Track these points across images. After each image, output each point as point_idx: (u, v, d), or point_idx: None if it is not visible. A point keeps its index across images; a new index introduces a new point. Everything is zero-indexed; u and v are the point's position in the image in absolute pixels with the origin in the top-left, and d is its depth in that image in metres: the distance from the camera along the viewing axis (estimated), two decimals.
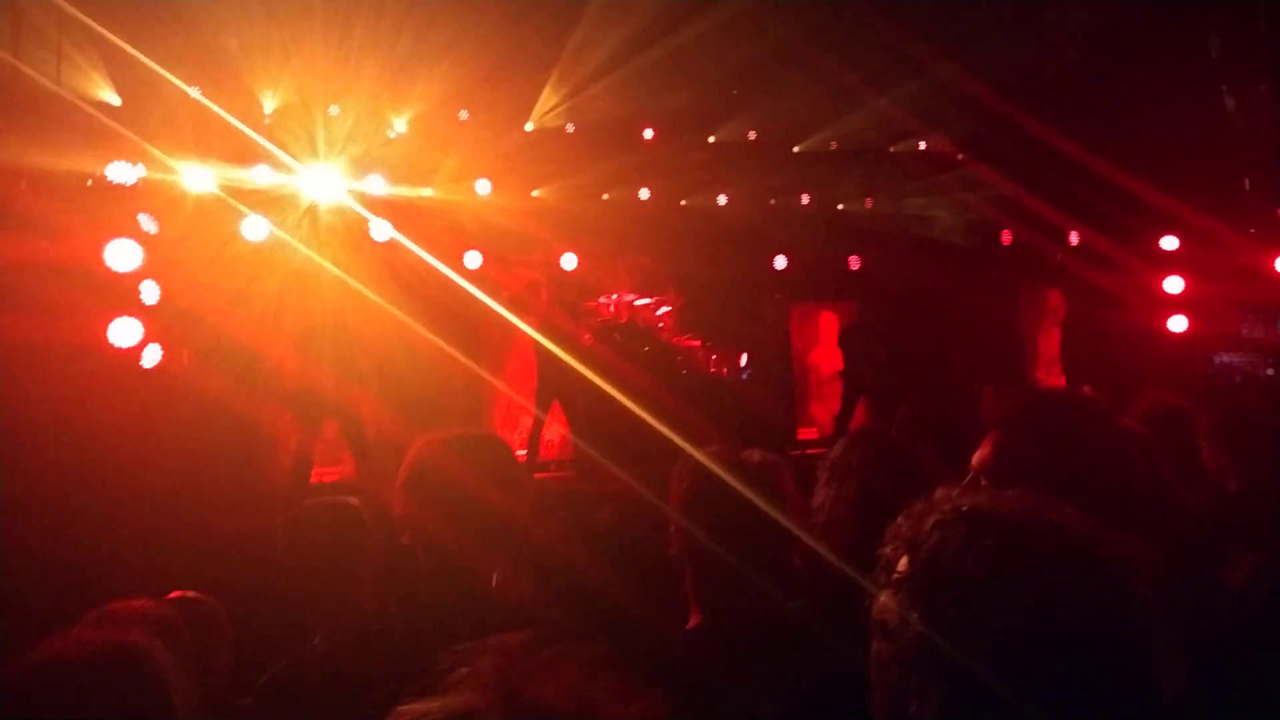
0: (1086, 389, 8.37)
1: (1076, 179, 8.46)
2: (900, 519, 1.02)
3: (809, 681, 1.71)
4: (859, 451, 2.25)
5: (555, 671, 0.75)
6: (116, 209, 5.97)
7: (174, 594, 2.65)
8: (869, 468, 2.18)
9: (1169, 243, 8.82)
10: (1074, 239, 9.56)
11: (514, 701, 0.71)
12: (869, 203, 10.50)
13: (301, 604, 2.52)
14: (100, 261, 5.28)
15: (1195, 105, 8.35)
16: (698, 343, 9.93)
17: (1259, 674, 1.56)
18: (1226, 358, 8.78)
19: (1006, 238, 10.28)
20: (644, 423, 6.92)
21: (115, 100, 7.01)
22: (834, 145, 10.25)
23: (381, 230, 8.16)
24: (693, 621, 1.99)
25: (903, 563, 0.97)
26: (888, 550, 1.00)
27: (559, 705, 0.72)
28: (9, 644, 1.48)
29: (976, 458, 1.85)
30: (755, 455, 2.19)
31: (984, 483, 1.75)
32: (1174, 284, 8.67)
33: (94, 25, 5.87)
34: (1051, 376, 10.32)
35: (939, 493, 1.02)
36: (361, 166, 8.46)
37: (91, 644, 1.44)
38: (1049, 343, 10.44)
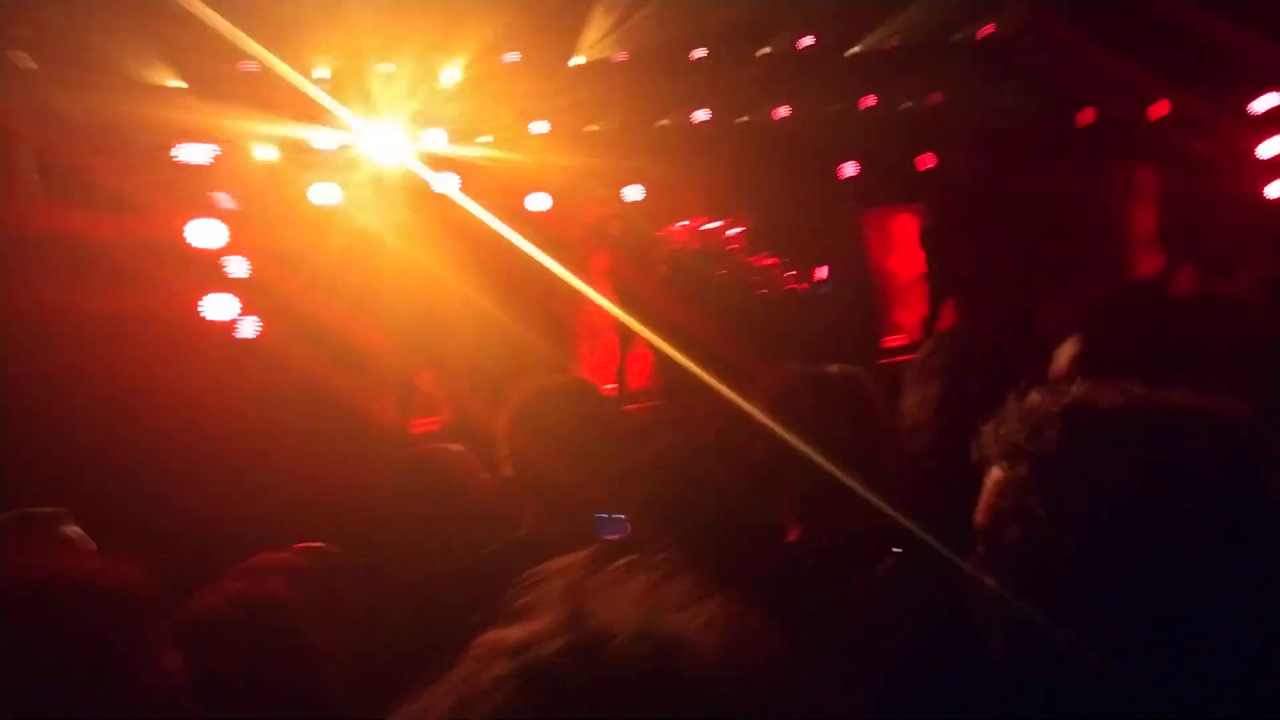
0: (1188, 268, 7.98)
1: (1156, 43, 7.97)
2: (993, 427, 0.99)
3: (898, 589, 1.71)
4: (942, 353, 2.20)
5: (623, 585, 0.72)
6: (193, 189, 6.15)
7: (300, 545, 2.80)
8: (953, 368, 2.13)
9: (1264, 102, 8.28)
10: (1159, 110, 9.05)
11: (579, 621, 0.69)
12: (936, 98, 10.10)
13: (414, 544, 2.64)
14: (183, 240, 5.47)
15: None
16: (774, 260, 9.81)
17: None
18: None
19: (1086, 116, 9.79)
20: (726, 347, 6.92)
21: (179, 83, 7.15)
22: (892, 42, 9.85)
23: (446, 183, 8.23)
24: (793, 534, 2.02)
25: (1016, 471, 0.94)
26: (985, 455, 0.98)
27: (625, 618, 0.69)
28: (170, 602, 1.58)
29: (1062, 361, 1.79)
30: (835, 367, 2.19)
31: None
32: (1272, 146, 8.17)
33: None
34: (1149, 257, 9.90)
35: (1034, 395, 0.98)
36: (420, 123, 8.49)
37: (234, 596, 1.54)
38: (1143, 222, 9.99)
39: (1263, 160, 8.14)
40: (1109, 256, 9.95)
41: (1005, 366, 2.11)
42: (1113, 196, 10.31)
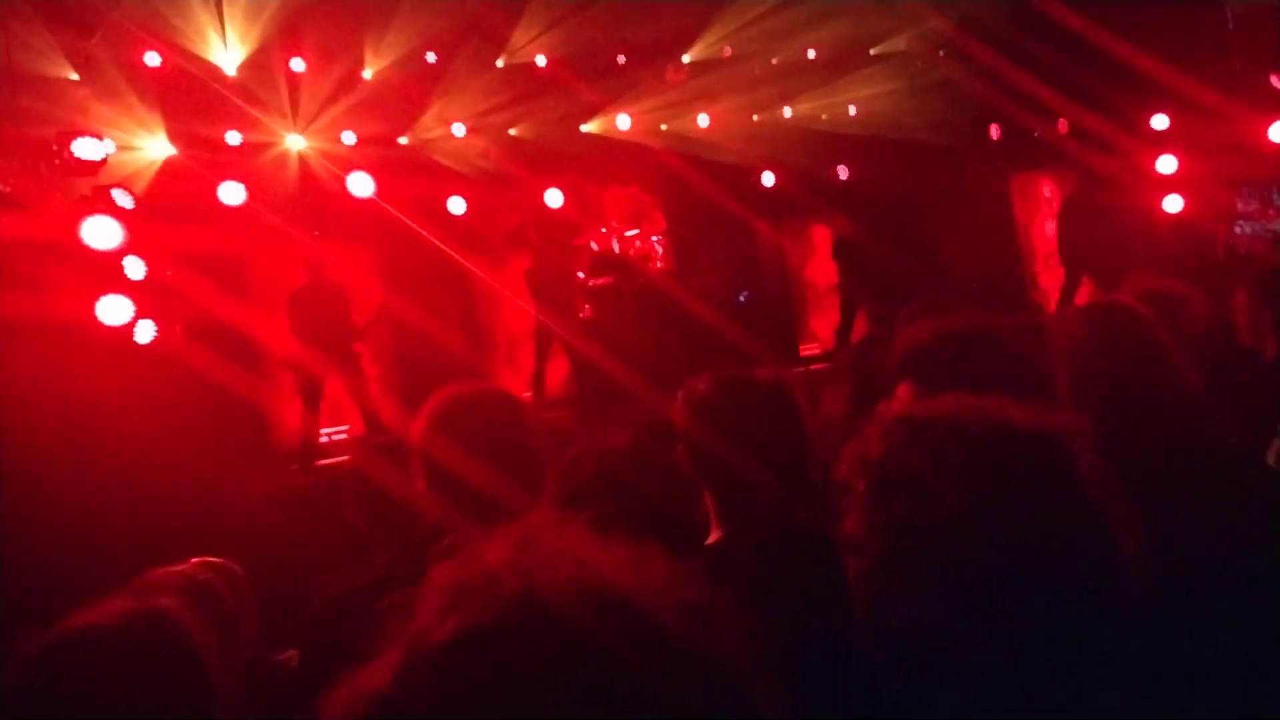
0: (1085, 279, 8.25)
1: (1062, 62, 8.28)
2: (851, 442, 1.04)
3: (820, 590, 1.71)
4: (854, 359, 2.23)
5: (564, 543, 0.71)
6: (88, 185, 5.86)
7: (194, 560, 2.67)
8: (859, 374, 2.16)
9: (1160, 121, 8.67)
10: (1063, 125, 9.40)
11: (523, 577, 0.66)
12: (853, 110, 10.31)
13: (369, 532, 2.57)
14: (78, 239, 5.19)
15: None
16: (692, 268, 9.86)
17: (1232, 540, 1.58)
18: (1247, 228, 8.70)
19: (995, 131, 10.11)
20: (644, 355, 6.92)
21: (72, 75, 6.82)
22: (812, 54, 10.02)
23: (361, 184, 8.03)
24: (712, 537, 2.00)
25: (860, 481, 0.99)
26: (844, 471, 1.02)
27: (568, 578, 0.67)
28: (37, 623, 1.48)
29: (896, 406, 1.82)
30: (764, 372, 2.19)
31: None
32: (1167, 163, 8.55)
33: None
34: (1049, 269, 10.26)
35: (879, 408, 1.06)
36: (334, 120, 8.29)
37: (119, 611, 1.44)
38: (1044, 235, 10.36)
39: (1160, 175, 8.51)
40: (1012, 266, 10.30)
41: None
42: (1018, 207, 10.68)
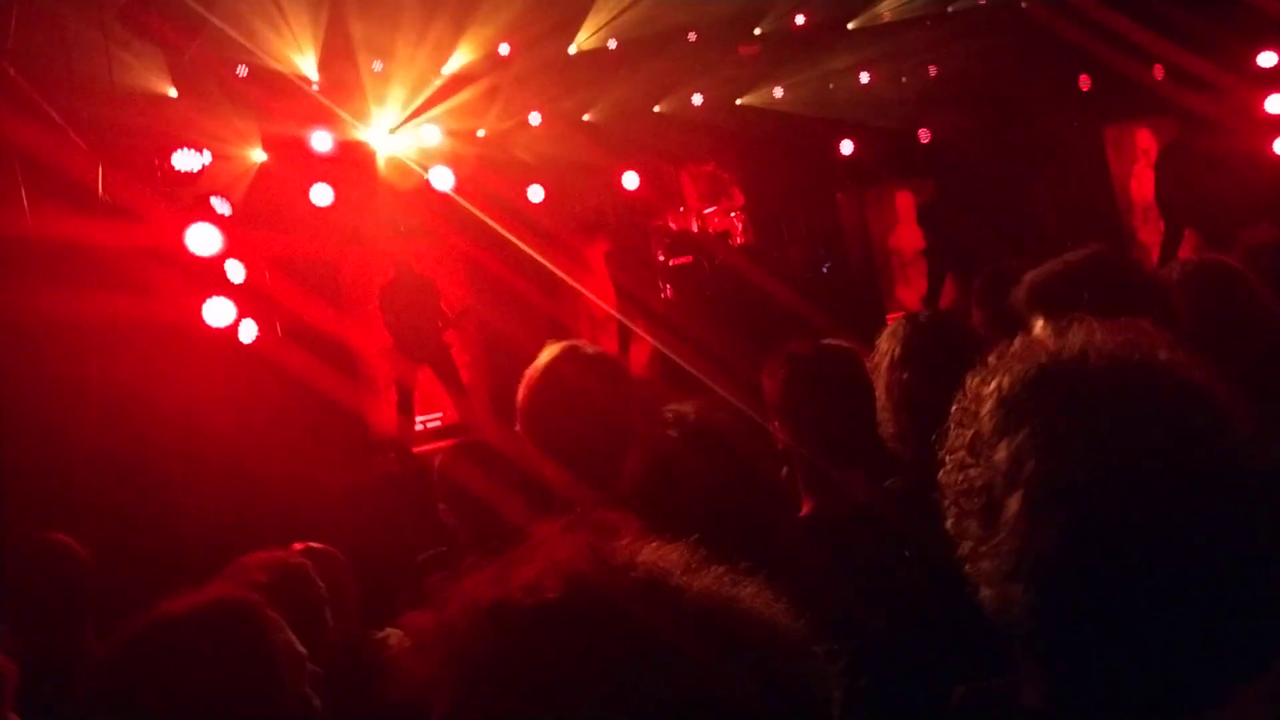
0: (1188, 232, 7.83)
1: None
2: (979, 381, 0.95)
3: (907, 561, 1.72)
4: (898, 333, 2.21)
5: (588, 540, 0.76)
6: (188, 195, 6.15)
7: (296, 545, 2.81)
8: (904, 346, 2.12)
9: (1267, 58, 8.16)
10: (1159, 69, 8.92)
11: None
12: (933, 71, 10.01)
13: (459, 528, 2.68)
14: (182, 246, 5.48)
15: None
16: (774, 241, 9.77)
17: None
18: None
19: (1085, 82, 9.67)
20: (727, 332, 6.91)
21: (170, 90, 7.16)
22: (887, 16, 9.77)
23: (442, 178, 8.20)
24: (805, 510, 2.01)
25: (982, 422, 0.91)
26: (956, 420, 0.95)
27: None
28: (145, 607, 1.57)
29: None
30: (834, 344, 2.19)
31: None
32: (1278, 102, 8.04)
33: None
34: (1149, 223, 9.80)
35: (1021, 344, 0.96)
36: (413, 117, 8.48)
37: (198, 602, 1.51)
38: (1142, 188, 9.89)
39: (1270, 116, 8.00)
40: (1108, 223, 9.86)
41: (962, 345, 2.09)
42: (1113, 160, 10.21)
